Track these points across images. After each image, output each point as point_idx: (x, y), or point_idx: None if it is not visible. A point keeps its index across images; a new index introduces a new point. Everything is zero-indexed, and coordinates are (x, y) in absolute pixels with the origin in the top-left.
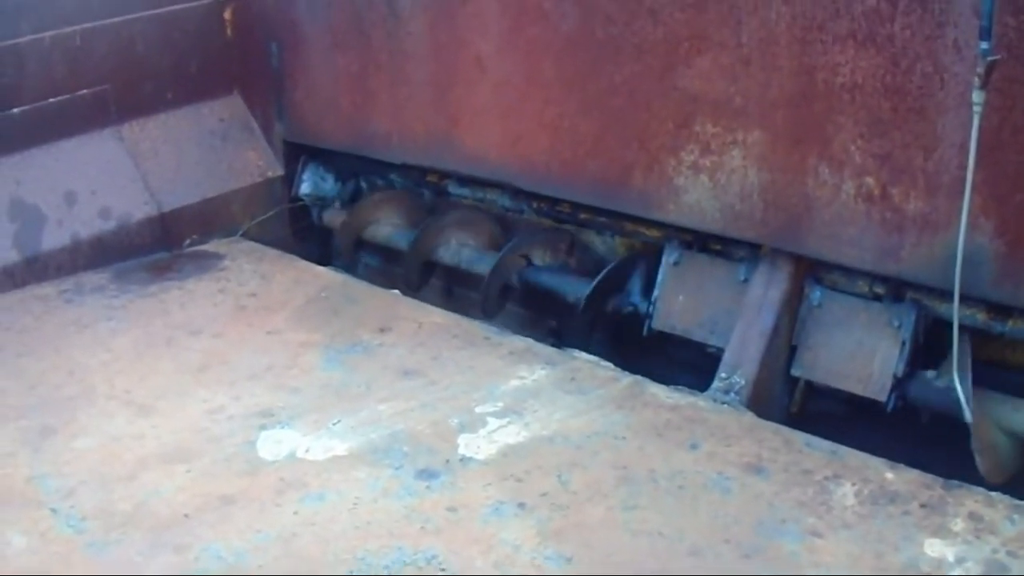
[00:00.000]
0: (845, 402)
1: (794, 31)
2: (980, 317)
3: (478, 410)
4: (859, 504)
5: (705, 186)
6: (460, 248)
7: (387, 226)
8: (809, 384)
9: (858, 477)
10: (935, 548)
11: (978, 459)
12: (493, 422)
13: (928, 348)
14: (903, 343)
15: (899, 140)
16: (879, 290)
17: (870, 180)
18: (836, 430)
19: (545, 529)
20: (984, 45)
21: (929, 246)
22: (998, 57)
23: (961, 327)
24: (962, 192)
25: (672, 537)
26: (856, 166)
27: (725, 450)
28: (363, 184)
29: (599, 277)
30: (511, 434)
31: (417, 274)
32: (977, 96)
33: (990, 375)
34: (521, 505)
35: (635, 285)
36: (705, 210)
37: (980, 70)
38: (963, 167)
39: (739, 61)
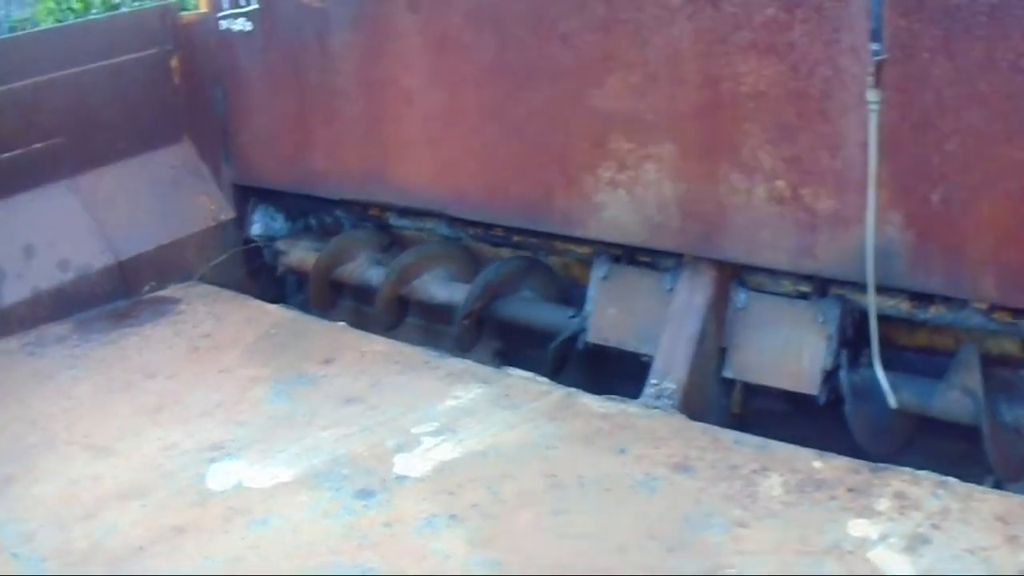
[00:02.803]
0: (785, 399)
1: (698, 46)
2: (904, 307)
3: (414, 431)
4: (786, 493)
5: (623, 201)
6: (432, 283)
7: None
8: (748, 384)
9: (786, 468)
10: (859, 528)
11: None
12: (428, 441)
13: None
14: (829, 337)
15: (805, 143)
16: (804, 288)
17: (780, 183)
18: (780, 425)
19: (475, 537)
20: (874, 46)
21: (842, 242)
22: (886, 57)
23: (886, 317)
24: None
25: (598, 537)
26: (766, 171)
27: (653, 452)
28: (312, 222)
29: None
30: (445, 451)
31: (391, 312)
32: (872, 95)
33: (920, 362)
34: (453, 517)
35: None
36: (625, 224)
37: (871, 70)
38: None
39: (647, 78)
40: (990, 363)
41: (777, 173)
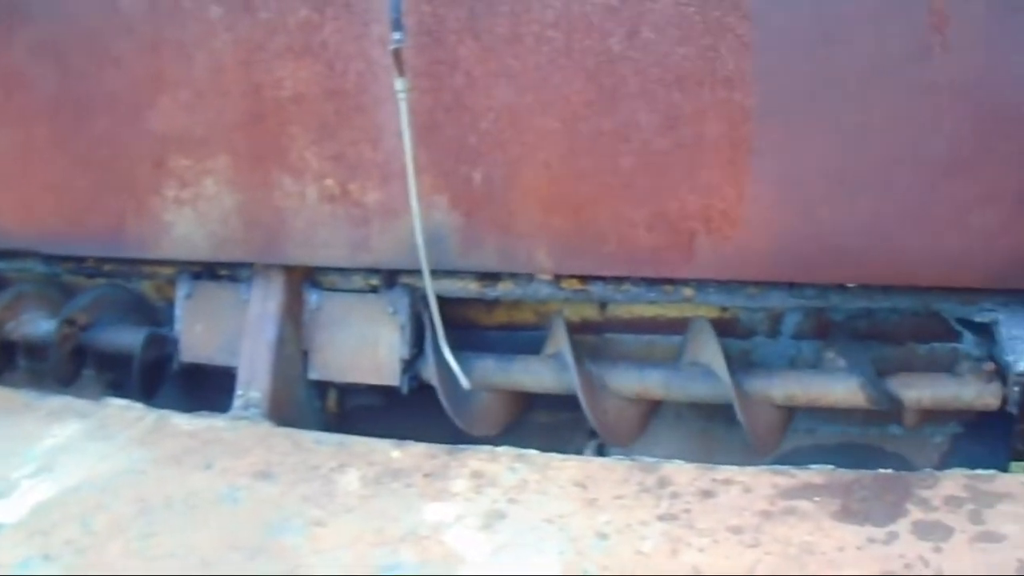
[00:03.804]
0: (381, 393)
1: (238, 55)
2: (472, 287)
3: (14, 476)
4: (363, 487)
5: (189, 218)
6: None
7: None
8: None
9: (363, 462)
10: (435, 512)
11: None
12: (26, 484)
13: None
14: (403, 327)
15: (347, 139)
16: (375, 282)
17: (329, 182)
18: (380, 419)
19: (69, 574)
20: (396, 35)
21: (394, 232)
22: (407, 44)
23: (458, 300)
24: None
25: (183, 555)
26: (314, 171)
27: (237, 463)
28: None
29: None
30: (42, 492)
31: None
32: (399, 84)
33: (505, 339)
34: (46, 557)
35: None
36: (194, 240)
37: (393, 59)
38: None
39: (195, 94)
40: (577, 330)
41: (325, 172)
